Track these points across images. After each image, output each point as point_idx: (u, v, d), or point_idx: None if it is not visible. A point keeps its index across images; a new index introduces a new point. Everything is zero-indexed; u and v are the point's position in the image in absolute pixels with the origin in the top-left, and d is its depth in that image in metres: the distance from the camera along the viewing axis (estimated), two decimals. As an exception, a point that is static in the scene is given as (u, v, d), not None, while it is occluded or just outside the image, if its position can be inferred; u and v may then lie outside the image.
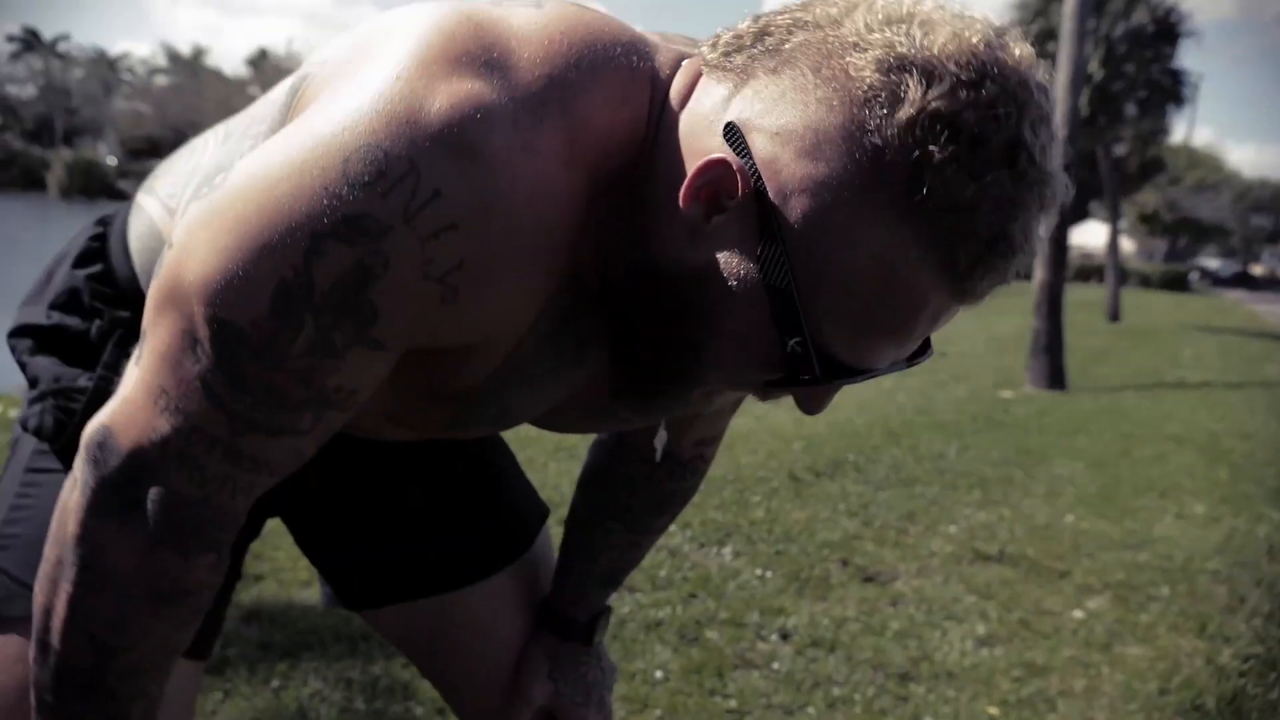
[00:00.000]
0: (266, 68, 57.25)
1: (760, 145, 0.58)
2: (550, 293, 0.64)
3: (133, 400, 0.61)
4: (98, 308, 0.80)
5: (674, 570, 2.88)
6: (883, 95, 0.54)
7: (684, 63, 0.66)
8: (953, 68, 0.54)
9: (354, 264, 0.56)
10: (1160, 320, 18.50)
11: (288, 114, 0.68)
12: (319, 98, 0.62)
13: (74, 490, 0.63)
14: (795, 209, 0.57)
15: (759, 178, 0.57)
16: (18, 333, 0.81)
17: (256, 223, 0.56)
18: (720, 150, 0.59)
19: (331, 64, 0.66)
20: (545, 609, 1.06)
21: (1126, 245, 38.41)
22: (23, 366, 0.80)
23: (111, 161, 47.00)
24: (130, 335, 0.73)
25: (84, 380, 0.77)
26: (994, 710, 2.21)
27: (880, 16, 0.57)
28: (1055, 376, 8.88)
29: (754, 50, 0.60)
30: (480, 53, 0.59)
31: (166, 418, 0.60)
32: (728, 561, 3.02)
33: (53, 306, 0.80)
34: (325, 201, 0.55)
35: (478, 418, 0.75)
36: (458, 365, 0.67)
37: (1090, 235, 37.27)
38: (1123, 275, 22.93)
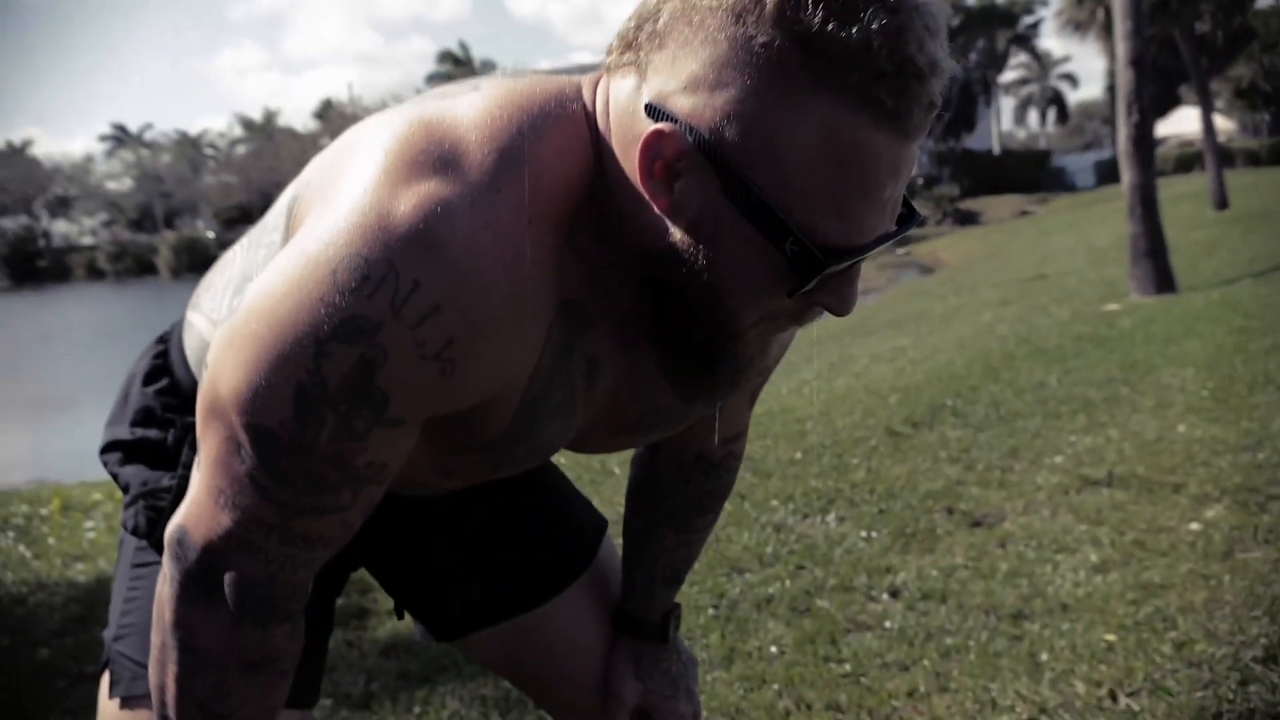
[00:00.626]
0: (333, 117, 59.02)
1: (679, 104, 0.65)
2: (544, 335, 0.72)
3: (198, 501, 0.73)
4: (170, 418, 0.92)
5: (780, 545, 2.95)
6: (748, 4, 0.62)
7: (598, 84, 0.73)
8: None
9: (357, 360, 0.65)
10: (1273, 199, 17.47)
11: (287, 232, 0.78)
12: (308, 216, 0.72)
13: (165, 583, 0.75)
14: (732, 135, 0.63)
15: (690, 129, 0.64)
16: (107, 449, 0.94)
17: (269, 338, 0.66)
18: (649, 127, 0.66)
19: (314, 184, 0.76)
20: (620, 615, 1.15)
21: (1227, 125, 36.27)
22: (115, 477, 0.93)
23: (210, 235, 49.37)
24: None
25: (167, 480, 0.89)
26: (1111, 636, 2.21)
27: None
28: (1162, 280, 8.54)
29: (639, 40, 0.68)
30: (433, 150, 0.68)
31: (227, 513, 0.71)
32: (832, 528, 3.07)
33: (133, 424, 0.93)
34: (323, 311, 0.64)
35: (515, 458, 0.83)
36: (478, 421, 0.75)
37: (1185, 122, 35.36)
38: (1227, 157, 21.71)
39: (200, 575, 0.73)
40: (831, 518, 3.16)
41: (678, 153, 0.65)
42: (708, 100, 0.64)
